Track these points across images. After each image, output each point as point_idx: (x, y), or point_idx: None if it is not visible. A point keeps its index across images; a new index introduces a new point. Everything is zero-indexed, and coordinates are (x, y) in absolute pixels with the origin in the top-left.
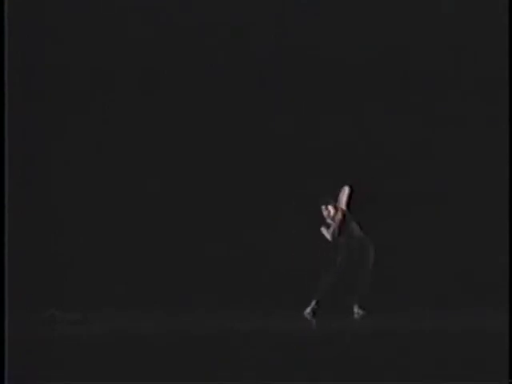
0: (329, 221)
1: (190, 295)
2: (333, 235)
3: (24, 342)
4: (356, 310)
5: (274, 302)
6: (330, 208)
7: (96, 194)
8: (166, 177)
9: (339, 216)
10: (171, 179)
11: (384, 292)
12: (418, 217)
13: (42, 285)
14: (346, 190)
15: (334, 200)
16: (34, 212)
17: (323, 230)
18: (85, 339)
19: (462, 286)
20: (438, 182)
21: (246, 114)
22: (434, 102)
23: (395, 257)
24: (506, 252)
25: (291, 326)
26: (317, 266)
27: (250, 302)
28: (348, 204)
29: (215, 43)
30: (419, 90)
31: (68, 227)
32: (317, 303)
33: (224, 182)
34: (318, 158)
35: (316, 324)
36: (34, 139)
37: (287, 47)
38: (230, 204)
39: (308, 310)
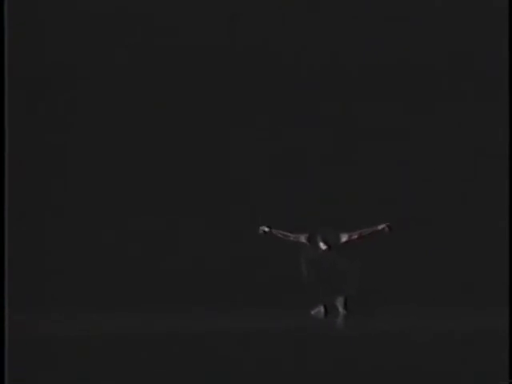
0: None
1: (190, 296)
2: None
3: (24, 342)
4: (340, 309)
5: (273, 302)
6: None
7: (95, 194)
8: (165, 179)
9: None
10: (171, 181)
11: (383, 291)
12: (417, 216)
13: (42, 285)
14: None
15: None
16: (33, 212)
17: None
18: (85, 340)
19: (462, 285)
20: (437, 182)
21: (245, 121)
22: (434, 102)
23: (394, 256)
24: (506, 252)
25: (290, 325)
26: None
27: (250, 302)
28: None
29: (215, 44)
30: (418, 90)
31: (68, 227)
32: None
33: (225, 183)
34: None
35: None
36: (33, 139)
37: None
38: (227, 204)
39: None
